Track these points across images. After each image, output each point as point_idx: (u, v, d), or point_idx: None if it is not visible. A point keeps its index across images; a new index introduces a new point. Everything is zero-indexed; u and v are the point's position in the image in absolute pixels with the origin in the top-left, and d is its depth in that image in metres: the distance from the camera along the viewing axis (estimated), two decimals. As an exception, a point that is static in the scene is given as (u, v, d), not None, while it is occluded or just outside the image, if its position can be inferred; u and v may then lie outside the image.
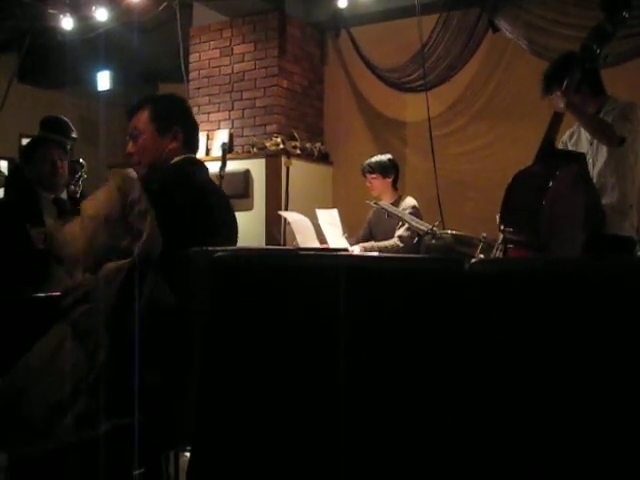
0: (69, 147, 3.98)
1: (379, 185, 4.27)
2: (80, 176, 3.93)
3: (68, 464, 1.74)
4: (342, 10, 5.54)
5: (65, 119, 4.18)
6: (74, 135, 4.13)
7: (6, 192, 3.69)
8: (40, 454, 1.75)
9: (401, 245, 4.02)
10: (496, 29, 5.09)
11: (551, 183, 2.52)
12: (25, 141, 3.73)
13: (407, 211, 4.02)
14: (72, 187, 3.80)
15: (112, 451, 1.74)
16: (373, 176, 4.27)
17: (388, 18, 5.55)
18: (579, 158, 2.80)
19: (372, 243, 4.15)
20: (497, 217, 2.71)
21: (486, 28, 5.15)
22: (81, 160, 4.02)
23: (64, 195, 3.16)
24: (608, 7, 2.62)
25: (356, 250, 4.05)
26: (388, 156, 4.34)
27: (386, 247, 4.04)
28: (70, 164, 3.72)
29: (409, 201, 4.23)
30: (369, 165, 4.28)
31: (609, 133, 2.76)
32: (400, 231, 4.07)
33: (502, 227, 2.64)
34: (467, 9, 5.20)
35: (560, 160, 2.69)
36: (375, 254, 3.75)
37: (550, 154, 2.68)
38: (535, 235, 2.50)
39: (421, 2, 5.08)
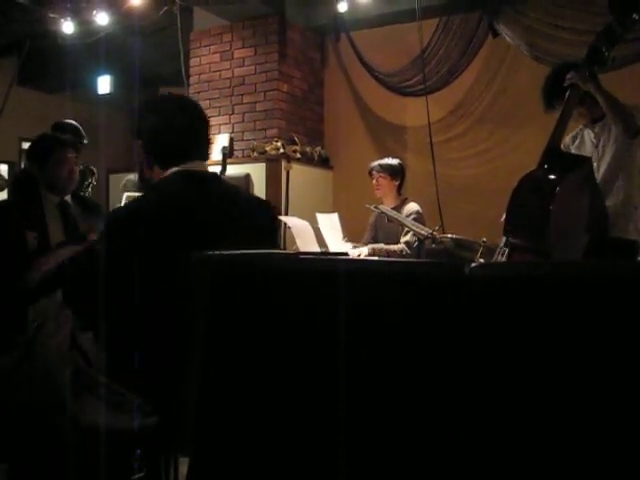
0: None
1: (386, 185, 4.28)
2: (90, 183, 3.87)
3: (67, 468, 1.74)
4: (342, 14, 5.55)
5: (76, 124, 4.05)
6: (85, 141, 4.02)
7: (9, 194, 3.59)
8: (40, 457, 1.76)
9: (409, 252, 4.03)
10: (496, 34, 5.10)
11: (558, 188, 2.50)
12: (25, 145, 3.68)
13: (412, 217, 4.02)
14: (81, 194, 3.75)
15: (111, 455, 1.74)
16: (382, 175, 4.27)
17: (388, 22, 5.56)
18: (585, 161, 2.78)
19: (381, 245, 4.16)
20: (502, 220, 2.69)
21: (486, 33, 5.16)
22: (92, 167, 3.97)
23: (68, 198, 3.09)
24: (617, 9, 2.62)
25: (365, 251, 4.08)
26: (398, 160, 4.39)
27: (395, 251, 4.06)
28: (80, 170, 3.67)
29: (412, 206, 4.23)
30: (379, 165, 4.30)
31: (630, 119, 2.74)
32: (406, 237, 4.08)
33: (507, 232, 2.62)
34: (467, 14, 5.21)
35: (566, 164, 2.67)
36: (375, 258, 3.75)
37: (555, 158, 2.66)
38: (541, 240, 2.48)
39: (421, 6, 5.09)
